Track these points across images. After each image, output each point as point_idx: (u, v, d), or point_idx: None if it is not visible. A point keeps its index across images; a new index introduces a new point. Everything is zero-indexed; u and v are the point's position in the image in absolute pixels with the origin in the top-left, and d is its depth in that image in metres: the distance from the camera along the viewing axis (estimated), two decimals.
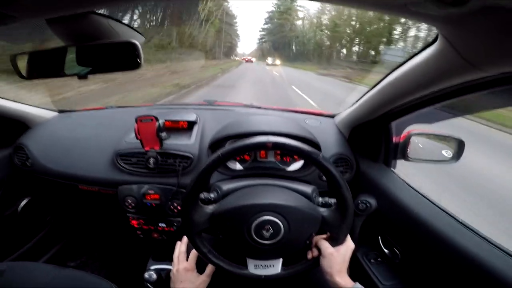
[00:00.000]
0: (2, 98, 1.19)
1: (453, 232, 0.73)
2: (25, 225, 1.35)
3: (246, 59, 56.64)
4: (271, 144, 0.65)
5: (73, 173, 1.12)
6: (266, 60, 42.41)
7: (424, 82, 0.68)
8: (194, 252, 0.82)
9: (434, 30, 0.52)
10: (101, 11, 0.54)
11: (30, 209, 1.35)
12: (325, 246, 0.71)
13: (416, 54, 0.66)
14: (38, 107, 1.36)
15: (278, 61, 40.21)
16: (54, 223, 1.52)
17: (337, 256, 0.69)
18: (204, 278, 0.78)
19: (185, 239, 0.85)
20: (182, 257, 0.81)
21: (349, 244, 0.73)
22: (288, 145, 0.65)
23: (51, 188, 1.26)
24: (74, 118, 1.36)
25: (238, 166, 1.08)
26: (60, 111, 1.44)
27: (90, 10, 0.51)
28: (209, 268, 0.79)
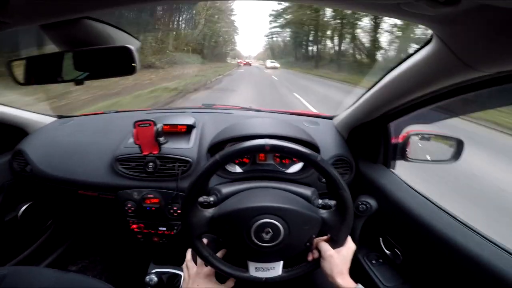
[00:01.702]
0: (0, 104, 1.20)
1: (453, 231, 0.73)
2: (26, 229, 1.35)
3: (244, 62, 43.12)
4: (269, 147, 0.65)
5: (72, 178, 1.12)
6: None
7: (420, 83, 0.68)
8: None
9: (429, 31, 0.52)
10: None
11: (31, 213, 1.35)
12: (325, 248, 0.70)
13: (411, 55, 0.66)
14: (37, 112, 1.36)
15: None
16: (56, 227, 1.52)
17: (337, 258, 0.69)
18: None
19: None
20: (201, 261, 0.79)
21: (350, 246, 0.73)
22: (287, 147, 0.65)
23: (51, 193, 1.26)
24: (73, 124, 1.36)
25: (237, 169, 1.08)
26: (59, 117, 1.44)
27: (84, 16, 0.51)
28: (231, 280, 0.78)
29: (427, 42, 0.58)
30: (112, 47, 0.57)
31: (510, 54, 0.45)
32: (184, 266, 0.83)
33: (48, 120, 1.39)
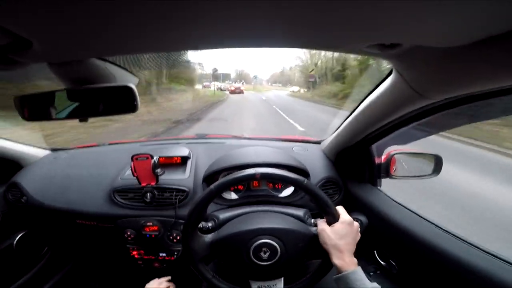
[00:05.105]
0: None
1: (438, 239, 0.78)
2: (21, 258, 1.32)
3: (233, 88, 30.19)
4: (260, 175, 0.72)
5: (70, 208, 1.13)
6: None
7: (387, 111, 0.76)
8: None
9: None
10: None
11: (27, 242, 1.32)
12: (320, 224, 0.72)
13: (378, 85, 0.74)
14: (30, 145, 1.37)
15: None
16: (52, 255, 1.48)
17: (329, 231, 0.69)
18: None
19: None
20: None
21: (344, 219, 0.71)
22: (275, 174, 0.72)
23: (47, 221, 1.26)
24: (68, 157, 1.37)
25: (233, 196, 1.11)
26: (53, 150, 1.45)
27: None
28: None
29: (389, 74, 0.66)
30: (115, 86, 0.60)
31: (451, 84, 0.53)
32: None
33: (42, 153, 1.40)
